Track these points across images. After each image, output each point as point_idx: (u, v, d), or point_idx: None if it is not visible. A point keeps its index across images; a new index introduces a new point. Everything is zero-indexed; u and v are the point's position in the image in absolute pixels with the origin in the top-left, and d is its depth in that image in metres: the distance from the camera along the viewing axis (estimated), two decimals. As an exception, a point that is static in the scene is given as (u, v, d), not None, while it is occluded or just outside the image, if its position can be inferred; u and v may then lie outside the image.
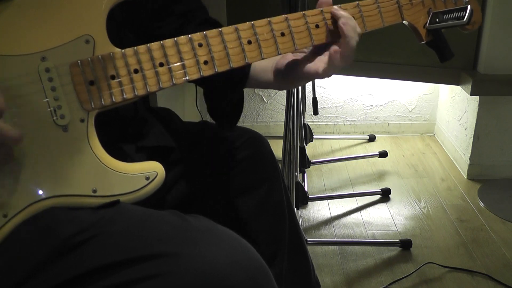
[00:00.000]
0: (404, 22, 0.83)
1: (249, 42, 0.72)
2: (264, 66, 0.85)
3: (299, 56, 0.79)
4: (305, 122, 2.12)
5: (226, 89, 0.85)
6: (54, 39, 0.64)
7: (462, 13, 0.78)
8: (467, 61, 1.98)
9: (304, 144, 2.02)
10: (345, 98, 2.58)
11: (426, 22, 0.82)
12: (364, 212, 1.91)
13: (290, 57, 0.81)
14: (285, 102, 1.59)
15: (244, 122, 2.63)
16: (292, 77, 0.79)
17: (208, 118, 0.94)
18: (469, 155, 2.11)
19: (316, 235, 1.77)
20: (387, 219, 1.85)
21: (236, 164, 0.91)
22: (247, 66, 0.84)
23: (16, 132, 0.58)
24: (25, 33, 0.63)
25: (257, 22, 0.73)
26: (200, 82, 0.84)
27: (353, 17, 0.77)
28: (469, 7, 0.78)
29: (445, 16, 0.80)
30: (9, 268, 0.60)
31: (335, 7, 0.75)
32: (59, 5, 0.64)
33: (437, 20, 0.81)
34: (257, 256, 0.66)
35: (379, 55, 2.05)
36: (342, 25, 0.72)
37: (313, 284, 1.06)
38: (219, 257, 0.61)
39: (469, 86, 1.90)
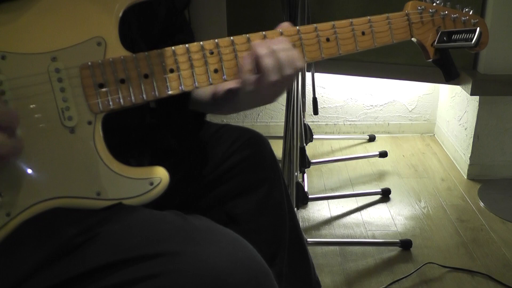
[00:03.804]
0: (412, 39, 0.83)
1: None
2: (206, 92, 0.84)
3: (232, 85, 0.77)
4: (305, 122, 2.12)
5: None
6: (65, 40, 0.64)
7: (470, 35, 0.77)
8: (467, 61, 1.98)
9: (304, 144, 2.02)
10: (345, 98, 2.58)
11: (435, 41, 0.83)
12: (364, 212, 1.91)
13: (227, 85, 0.78)
14: (285, 102, 1.59)
15: (244, 122, 2.63)
16: (228, 105, 0.79)
17: (208, 118, 0.94)
18: (469, 155, 2.12)
19: (316, 235, 1.77)
20: (387, 219, 1.86)
21: (236, 164, 0.91)
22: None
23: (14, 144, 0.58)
24: (37, 32, 0.63)
25: (269, 33, 0.73)
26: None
27: (364, 32, 0.77)
28: (477, 29, 0.77)
29: (453, 36, 0.80)
30: (10, 267, 0.60)
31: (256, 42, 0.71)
32: (72, 6, 0.64)
33: (445, 39, 0.81)
34: (257, 256, 0.66)
35: (379, 55, 2.05)
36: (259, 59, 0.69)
37: (314, 284, 1.06)
38: (219, 257, 0.61)
39: (469, 86, 1.90)
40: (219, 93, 0.80)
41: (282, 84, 0.70)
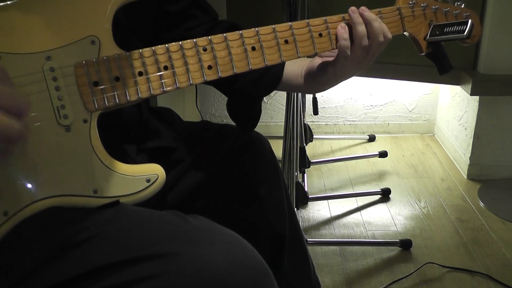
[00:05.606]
0: (405, 33, 0.84)
1: (253, 49, 0.73)
2: (294, 70, 0.87)
3: (328, 58, 0.82)
4: (305, 122, 2.12)
5: (256, 93, 0.87)
6: (59, 39, 0.64)
7: (462, 27, 0.78)
8: (467, 61, 1.98)
9: (304, 144, 2.02)
10: (345, 98, 2.58)
11: (427, 34, 0.83)
12: (364, 212, 1.91)
13: (318, 60, 0.83)
14: (285, 102, 1.59)
15: (244, 122, 2.62)
16: (322, 80, 0.82)
17: (208, 117, 0.94)
18: (469, 155, 2.11)
19: (316, 235, 1.77)
20: (387, 219, 1.85)
21: (236, 164, 0.91)
22: (281, 70, 0.87)
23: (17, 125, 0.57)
24: (31, 32, 0.63)
25: (262, 29, 0.73)
26: (225, 87, 0.86)
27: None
28: (469, 21, 0.78)
29: (445, 29, 0.81)
30: (8, 267, 0.60)
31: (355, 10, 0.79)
32: (65, 6, 0.64)
33: (437, 32, 0.82)
34: (257, 255, 0.66)
35: (379, 55, 2.04)
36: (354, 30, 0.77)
37: (313, 284, 1.06)
38: (219, 257, 0.61)
39: (469, 86, 1.90)
40: (313, 69, 0.84)
41: (370, 54, 0.79)
